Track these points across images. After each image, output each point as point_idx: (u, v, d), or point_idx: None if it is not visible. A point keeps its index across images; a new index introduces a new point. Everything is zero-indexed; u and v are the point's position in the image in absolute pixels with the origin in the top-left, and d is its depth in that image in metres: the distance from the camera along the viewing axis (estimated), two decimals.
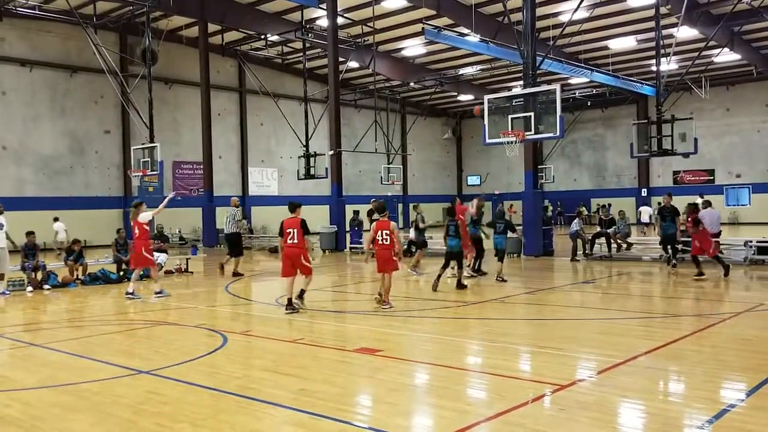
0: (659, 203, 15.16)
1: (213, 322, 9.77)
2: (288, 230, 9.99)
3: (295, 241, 9.95)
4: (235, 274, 15.87)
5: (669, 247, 15.28)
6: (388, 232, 10.18)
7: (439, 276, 12.12)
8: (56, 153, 28.75)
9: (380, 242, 10.17)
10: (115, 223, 27.01)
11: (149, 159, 24.07)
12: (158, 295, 12.03)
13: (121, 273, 15.29)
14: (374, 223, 10.45)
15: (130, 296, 11.99)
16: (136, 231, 12.22)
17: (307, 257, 10.10)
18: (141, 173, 24.88)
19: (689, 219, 13.70)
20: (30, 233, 14.54)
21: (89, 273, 14.91)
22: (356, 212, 23.86)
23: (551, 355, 6.95)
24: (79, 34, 26.62)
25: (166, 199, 12.68)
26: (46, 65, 28.27)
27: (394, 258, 10.16)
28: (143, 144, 25.10)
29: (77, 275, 14.78)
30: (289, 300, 9.94)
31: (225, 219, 16.42)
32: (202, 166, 29.82)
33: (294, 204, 10.31)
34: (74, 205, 28.68)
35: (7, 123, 27.25)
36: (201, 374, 6.43)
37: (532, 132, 15.88)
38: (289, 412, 5.14)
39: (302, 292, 10.21)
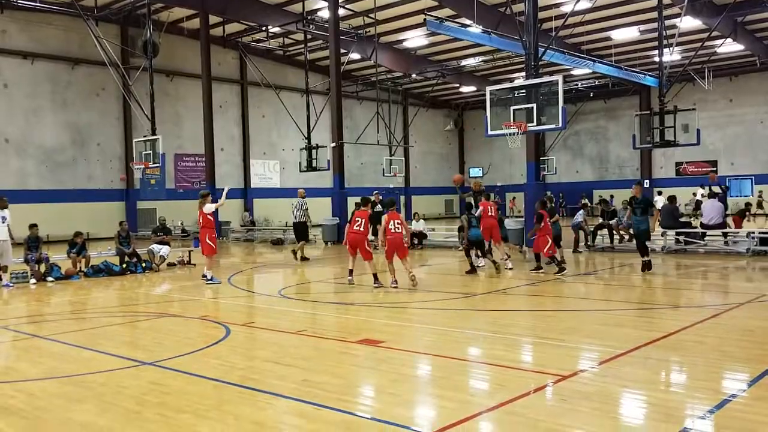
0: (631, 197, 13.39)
1: (216, 313, 9.80)
2: (357, 219, 11.71)
3: (362, 229, 11.64)
4: (303, 258, 17.22)
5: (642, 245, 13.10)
6: (399, 221, 11.46)
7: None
8: (58, 145, 28.77)
9: (393, 231, 11.39)
10: (118, 216, 27.08)
11: (151, 151, 24.06)
12: (209, 282, 12.80)
13: (124, 265, 15.33)
14: (386, 215, 11.59)
15: (209, 282, 12.81)
16: (201, 220, 13.19)
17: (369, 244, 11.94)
18: (143, 165, 24.88)
19: (535, 215, 13.36)
20: (33, 226, 14.59)
21: (92, 265, 14.95)
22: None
23: (553, 346, 6.97)
24: (80, 26, 26.57)
25: (224, 192, 13.57)
26: (48, 57, 28.25)
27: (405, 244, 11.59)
28: (145, 136, 25.10)
29: (80, 267, 14.82)
30: (350, 271, 12.02)
31: (292, 209, 18.20)
32: (203, 159, 29.83)
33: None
34: (77, 197, 28.73)
35: (9, 115, 27.26)
36: (204, 365, 6.46)
37: (534, 123, 15.84)
38: (292, 403, 5.17)
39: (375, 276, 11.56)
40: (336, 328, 8.49)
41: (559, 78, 15.64)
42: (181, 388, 5.72)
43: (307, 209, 18.21)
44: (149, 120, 24.92)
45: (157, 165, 23.91)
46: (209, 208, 13.05)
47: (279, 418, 4.95)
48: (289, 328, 8.36)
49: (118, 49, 28.83)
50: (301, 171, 31.30)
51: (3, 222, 12.84)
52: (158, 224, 19.36)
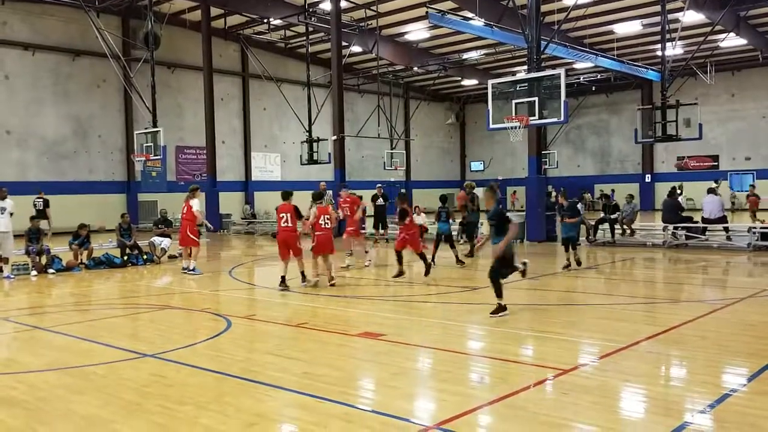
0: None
1: (217, 306, 9.81)
2: (281, 215, 10.94)
3: (289, 224, 10.91)
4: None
5: (570, 247, 12.57)
6: (329, 216, 11.09)
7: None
8: (60, 137, 28.73)
9: (322, 226, 11.00)
10: (119, 208, 27.06)
11: (152, 144, 24.01)
12: (191, 272, 13.11)
13: (125, 257, 15.34)
14: (315, 209, 11.16)
15: (191, 272, 13.10)
16: (185, 212, 13.37)
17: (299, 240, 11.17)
18: (144, 158, 24.84)
19: (396, 210, 12.10)
20: (34, 218, 14.59)
21: (93, 257, 14.96)
22: (359, 197, 23.80)
23: (553, 340, 6.97)
24: (81, 18, 26.48)
25: (206, 223, 14.94)
26: (49, 49, 28.17)
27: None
28: (146, 128, 25.05)
29: (81, 259, 14.83)
30: (282, 278, 10.85)
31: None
32: (205, 151, 29.78)
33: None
34: (78, 189, 28.71)
35: (10, 107, 27.21)
36: (205, 358, 6.48)
37: (536, 117, 15.81)
38: (293, 395, 5.18)
39: (303, 273, 11.19)
40: (336, 321, 8.50)
41: (561, 71, 15.60)
42: (182, 380, 5.73)
43: (332, 202, 18.18)
44: (150, 112, 24.86)
45: (159, 157, 23.86)
46: (196, 204, 13.33)
47: (280, 411, 4.96)
48: (290, 320, 8.37)
49: (120, 41, 28.75)
50: (302, 164, 31.27)
51: (2, 213, 12.84)
52: (159, 216, 19.34)
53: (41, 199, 21.68)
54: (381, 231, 20.20)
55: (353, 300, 10.05)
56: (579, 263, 12.69)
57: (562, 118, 15.68)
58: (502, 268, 8.32)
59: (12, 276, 13.16)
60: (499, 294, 8.20)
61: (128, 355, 6.68)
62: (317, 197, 11.41)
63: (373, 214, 20.19)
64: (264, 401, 5.10)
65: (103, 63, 27.60)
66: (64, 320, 8.70)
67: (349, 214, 14.37)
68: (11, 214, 13.11)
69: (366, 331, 7.44)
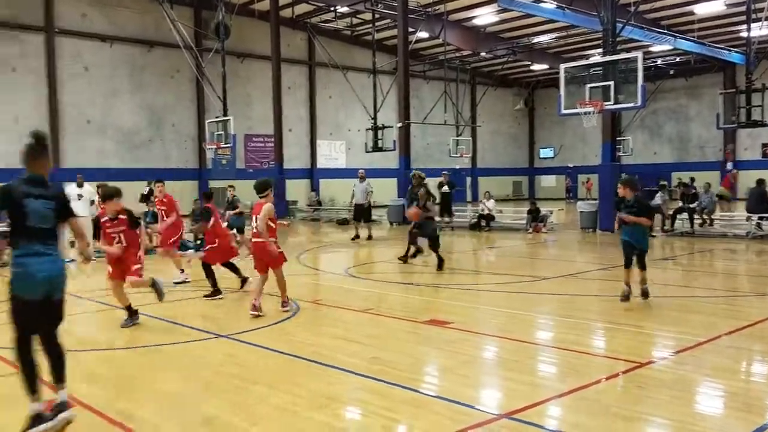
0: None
1: (274, 288, 9.97)
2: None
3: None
4: (369, 237, 17.55)
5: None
6: (260, 216, 7.63)
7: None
8: (135, 126, 29.91)
9: (254, 231, 7.80)
10: (192, 194, 27.97)
11: (223, 132, 24.66)
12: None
13: (198, 242, 15.83)
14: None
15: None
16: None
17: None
18: (215, 146, 25.56)
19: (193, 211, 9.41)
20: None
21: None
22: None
23: (628, 332, 6.75)
24: (155, 10, 27.41)
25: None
26: (125, 41, 29.30)
27: (273, 249, 7.71)
28: (217, 117, 25.74)
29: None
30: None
31: (353, 190, 18.38)
32: (272, 139, 30.36)
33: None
34: (154, 176, 29.81)
35: (90, 97, 28.49)
36: (275, 340, 6.61)
37: (612, 102, 15.28)
38: (362, 379, 5.22)
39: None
40: (402, 307, 8.50)
41: (639, 54, 15.02)
42: (254, 361, 5.88)
43: (372, 191, 18.31)
44: (221, 101, 25.51)
45: (229, 145, 24.49)
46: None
47: (351, 394, 5.01)
48: (356, 306, 8.44)
49: (192, 32, 29.59)
50: (366, 151, 31.41)
51: (79, 199, 13.51)
52: (227, 202, 19.80)
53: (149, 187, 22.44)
54: (446, 219, 20.06)
55: (418, 287, 10.03)
56: (646, 295, 8.17)
57: (638, 103, 15.10)
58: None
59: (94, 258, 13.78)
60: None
61: (202, 335, 6.91)
62: (260, 189, 7.81)
63: (439, 201, 20.08)
64: (334, 384, 5.17)
65: (176, 54, 28.47)
66: (142, 300, 9.07)
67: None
68: (92, 202, 13.76)
69: (433, 319, 7.41)
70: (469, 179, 42.45)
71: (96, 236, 8.18)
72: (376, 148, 30.44)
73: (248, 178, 32.54)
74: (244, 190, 29.93)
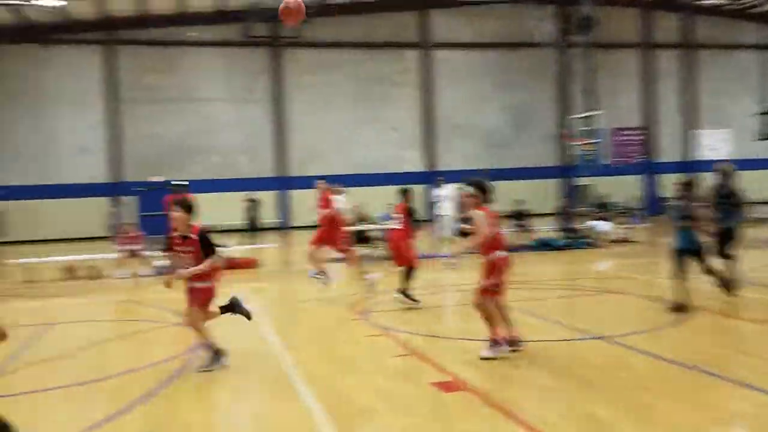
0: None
1: (650, 291, 9.20)
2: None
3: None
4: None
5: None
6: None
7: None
8: (496, 127, 31.40)
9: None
10: (553, 192, 28.06)
11: (588, 128, 24.09)
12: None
13: (569, 240, 15.86)
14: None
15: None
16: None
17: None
18: (580, 142, 25.13)
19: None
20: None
21: (538, 238, 15.91)
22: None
23: None
24: (516, 13, 28.25)
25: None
26: (487, 46, 30.96)
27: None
28: (582, 113, 25.26)
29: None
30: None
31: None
32: (641, 132, 28.49)
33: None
34: (514, 175, 30.85)
35: (457, 104, 30.94)
36: (658, 346, 6.12)
37: None
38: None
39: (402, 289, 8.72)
40: None
41: None
42: (642, 366, 5.57)
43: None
44: (587, 96, 24.93)
45: (596, 141, 23.84)
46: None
47: (755, 412, 4.34)
48: (750, 317, 7.29)
49: (554, 29, 29.67)
50: (758, 139, 27.07)
51: (441, 199, 14.83)
52: (596, 201, 19.37)
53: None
54: None
55: None
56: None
57: None
58: None
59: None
60: None
61: (575, 334, 6.82)
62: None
63: None
64: (735, 399, 4.56)
65: (537, 52, 28.86)
66: (515, 297, 9.36)
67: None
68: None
69: None
70: None
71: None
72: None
73: (615, 173, 31.29)
74: (612, 187, 28.72)
